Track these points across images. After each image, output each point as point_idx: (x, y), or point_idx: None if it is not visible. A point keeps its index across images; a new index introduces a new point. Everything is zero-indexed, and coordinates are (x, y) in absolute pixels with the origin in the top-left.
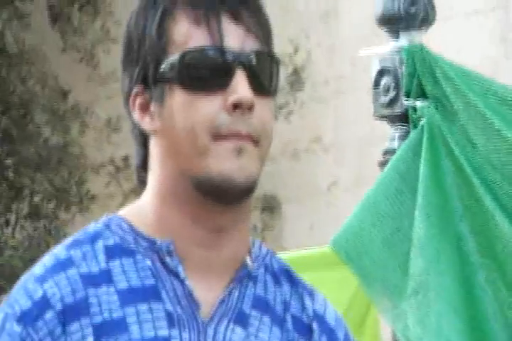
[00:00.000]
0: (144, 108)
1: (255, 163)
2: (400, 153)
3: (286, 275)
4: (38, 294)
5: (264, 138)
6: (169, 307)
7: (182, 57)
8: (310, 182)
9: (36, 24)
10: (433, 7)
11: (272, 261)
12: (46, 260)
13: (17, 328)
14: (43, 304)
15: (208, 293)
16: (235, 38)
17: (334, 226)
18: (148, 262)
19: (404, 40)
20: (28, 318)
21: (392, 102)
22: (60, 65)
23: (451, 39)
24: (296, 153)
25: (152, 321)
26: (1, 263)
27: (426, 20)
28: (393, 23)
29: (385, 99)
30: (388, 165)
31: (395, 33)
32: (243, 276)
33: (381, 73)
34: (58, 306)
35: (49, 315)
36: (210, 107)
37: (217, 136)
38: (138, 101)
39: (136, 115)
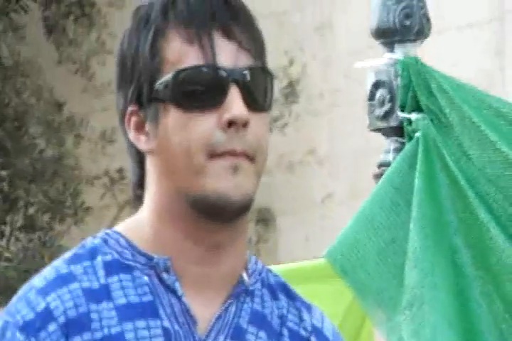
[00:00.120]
0: (139, 127)
1: (251, 180)
2: (395, 165)
3: (283, 290)
4: (41, 306)
5: (260, 154)
6: (166, 323)
7: (175, 76)
8: (305, 195)
9: (31, 36)
10: (428, 20)
11: (269, 276)
12: (47, 273)
13: (20, 337)
14: (46, 316)
15: (205, 309)
16: (228, 54)
17: (329, 238)
18: (146, 278)
19: (399, 53)
20: (30, 328)
21: (387, 115)
22: (55, 76)
23: (446, 51)
24: (291, 165)
25: (149, 338)
26: None
27: (421, 32)
28: (388, 35)
29: (380, 111)
30: (383, 178)
31: (390, 46)
32: (240, 292)
33: (376, 86)
34: (61, 319)
35: (52, 327)
36: (205, 125)
37: (213, 154)
38: (133, 120)
39: (132, 135)
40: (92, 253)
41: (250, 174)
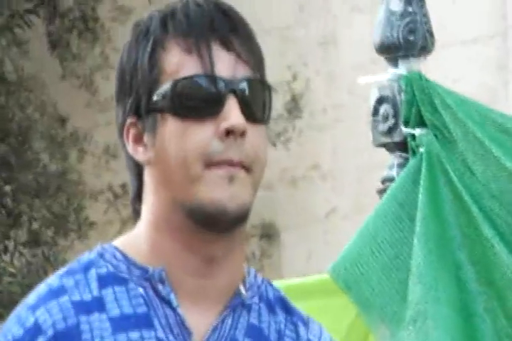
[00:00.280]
0: (138, 139)
1: (247, 190)
2: (399, 180)
3: (281, 304)
4: (30, 321)
5: (257, 164)
6: (161, 334)
7: (174, 86)
8: (308, 210)
9: (35, 51)
10: (432, 35)
11: (268, 290)
12: (40, 289)
13: None
14: (35, 331)
15: (200, 320)
16: (226, 65)
17: (332, 253)
18: (141, 290)
19: (403, 68)
20: None
21: (391, 130)
22: (58, 91)
23: (449, 66)
24: (294, 180)
25: None
26: None
27: (425, 48)
28: (392, 51)
29: (383, 127)
30: (387, 193)
31: (394, 61)
32: (236, 304)
33: (380, 101)
34: (50, 332)
35: (40, 340)
36: (202, 135)
37: (210, 163)
38: (131, 132)
39: (130, 146)
40: (86, 267)
41: (246, 184)
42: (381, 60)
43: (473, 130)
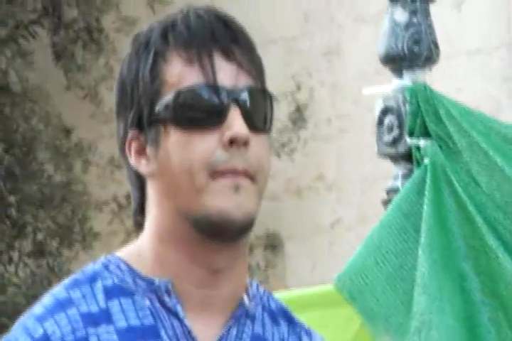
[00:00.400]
0: (140, 152)
1: (253, 199)
2: (404, 191)
3: (283, 315)
4: (39, 332)
5: (260, 174)
6: None
7: (176, 97)
8: (313, 221)
9: (39, 62)
10: (437, 46)
11: (270, 301)
12: (45, 300)
13: None
14: None
15: (206, 331)
16: (228, 75)
17: (337, 264)
18: (147, 302)
19: (407, 79)
20: None
21: (395, 141)
22: (63, 102)
23: (454, 77)
24: (299, 191)
25: None
26: (4, 301)
27: (429, 59)
28: (397, 61)
29: (388, 137)
30: (392, 204)
31: (399, 72)
32: (241, 314)
33: (384, 112)
34: None
35: None
36: (205, 144)
37: (214, 173)
38: (134, 145)
39: (133, 159)
40: (92, 278)
41: (251, 193)
42: (386, 70)
43: (477, 140)
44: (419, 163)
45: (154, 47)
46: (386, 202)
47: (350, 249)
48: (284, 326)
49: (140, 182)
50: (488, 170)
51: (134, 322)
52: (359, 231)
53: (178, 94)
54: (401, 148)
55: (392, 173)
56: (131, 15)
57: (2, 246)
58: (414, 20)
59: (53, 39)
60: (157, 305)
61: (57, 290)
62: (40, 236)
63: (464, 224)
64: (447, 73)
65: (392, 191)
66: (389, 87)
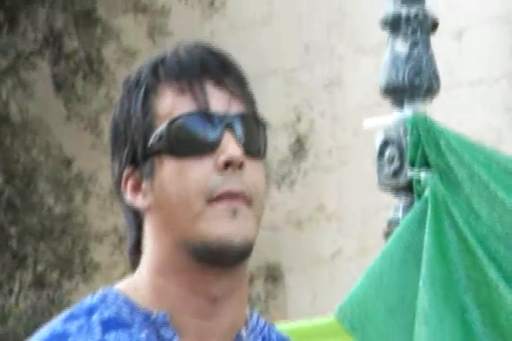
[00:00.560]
0: (136, 188)
1: (251, 224)
2: (405, 223)
3: None
4: None
5: (257, 198)
6: None
7: (169, 125)
8: (314, 251)
9: (40, 93)
10: (437, 77)
11: (270, 332)
12: (42, 333)
13: None
14: None
15: None
16: (220, 102)
17: (338, 295)
18: (143, 335)
19: (408, 111)
20: None
21: (396, 173)
22: (63, 133)
23: (454, 108)
24: (300, 221)
25: None
26: (4, 332)
27: (430, 90)
28: (397, 93)
29: (389, 169)
30: (393, 235)
31: (400, 103)
32: None
33: (385, 143)
34: None
35: None
36: (201, 170)
37: (211, 198)
38: (129, 182)
39: (129, 196)
40: (89, 311)
41: (249, 218)
42: (386, 101)
43: (478, 172)
44: (419, 195)
45: (145, 83)
46: (387, 234)
47: (351, 279)
48: None
49: (137, 219)
50: (488, 202)
51: None
52: (360, 262)
53: (170, 123)
54: (402, 180)
55: (392, 204)
56: (131, 46)
57: (3, 278)
58: (415, 51)
59: (54, 70)
60: (153, 337)
61: (54, 323)
62: (40, 268)
63: (464, 256)
64: (448, 104)
65: (393, 222)
66: (390, 118)
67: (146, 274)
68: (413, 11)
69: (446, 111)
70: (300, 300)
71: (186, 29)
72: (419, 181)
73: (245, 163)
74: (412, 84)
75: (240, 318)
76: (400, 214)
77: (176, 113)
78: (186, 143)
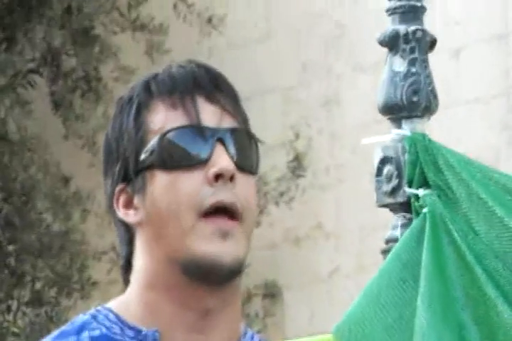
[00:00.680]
0: (128, 203)
1: (241, 242)
2: (403, 241)
3: None
4: None
5: (248, 213)
6: None
7: (161, 139)
8: (311, 269)
9: (38, 111)
10: (435, 96)
11: None
12: None
13: None
14: None
15: None
16: (211, 115)
17: (336, 313)
18: None
19: (406, 129)
20: None
21: (394, 191)
22: (61, 151)
23: (452, 126)
24: (298, 239)
25: None
26: None
27: (428, 108)
28: (395, 111)
29: (387, 187)
30: (391, 254)
31: (398, 122)
32: None
33: (383, 161)
34: None
35: None
36: (192, 183)
37: (201, 212)
38: (121, 199)
39: (121, 212)
40: (79, 329)
41: (240, 238)
42: (384, 119)
43: (476, 190)
44: (418, 213)
45: (137, 100)
46: (385, 252)
47: (348, 297)
48: None
49: (129, 235)
50: (487, 220)
51: None
52: (358, 280)
53: (162, 137)
54: (400, 198)
55: (390, 222)
56: (129, 65)
57: (1, 295)
58: (413, 70)
59: (52, 88)
60: None
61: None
62: (38, 285)
63: (463, 274)
64: (446, 122)
65: (391, 241)
66: (388, 136)
67: (138, 289)
68: (411, 29)
69: (444, 129)
70: (298, 318)
71: (184, 47)
72: (417, 199)
73: (237, 177)
74: (410, 103)
75: (232, 334)
76: (398, 232)
77: (168, 127)
78: (177, 157)
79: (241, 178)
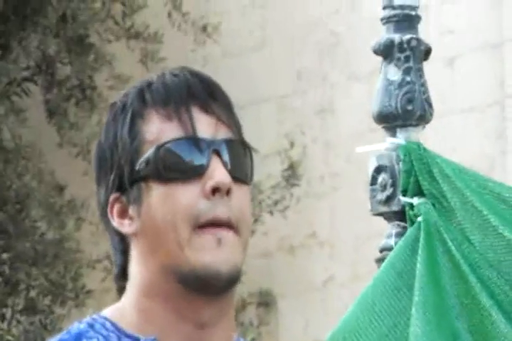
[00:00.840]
0: (123, 213)
1: (237, 251)
2: (397, 250)
3: None
4: None
5: (243, 223)
6: None
7: (157, 151)
8: (306, 278)
9: (32, 119)
10: (430, 105)
11: None
12: None
13: None
14: None
15: None
16: (207, 127)
17: (330, 322)
18: None
19: (401, 138)
20: None
21: (389, 199)
22: (56, 160)
23: (447, 135)
24: (292, 248)
25: None
26: None
27: (423, 117)
28: (390, 120)
29: (381, 196)
30: (385, 262)
31: (392, 130)
32: None
33: (378, 170)
34: None
35: None
36: (188, 195)
37: (197, 224)
38: (116, 208)
39: (115, 222)
40: (77, 338)
41: (235, 246)
42: (379, 128)
43: (471, 199)
44: (412, 222)
45: (131, 108)
46: (379, 260)
47: (343, 306)
48: None
49: (123, 245)
50: (481, 229)
51: None
52: (352, 289)
53: (158, 149)
54: (394, 207)
55: (385, 231)
56: (124, 73)
57: None
58: (408, 78)
59: (46, 96)
60: None
61: None
62: (32, 294)
63: (457, 283)
64: (441, 131)
65: (385, 249)
66: (382, 145)
67: (133, 299)
68: (406, 37)
69: (439, 138)
70: (292, 327)
71: (179, 55)
72: (411, 208)
73: (232, 189)
74: (405, 111)
75: None
76: (392, 241)
77: (164, 138)
78: (174, 168)
79: (236, 189)
